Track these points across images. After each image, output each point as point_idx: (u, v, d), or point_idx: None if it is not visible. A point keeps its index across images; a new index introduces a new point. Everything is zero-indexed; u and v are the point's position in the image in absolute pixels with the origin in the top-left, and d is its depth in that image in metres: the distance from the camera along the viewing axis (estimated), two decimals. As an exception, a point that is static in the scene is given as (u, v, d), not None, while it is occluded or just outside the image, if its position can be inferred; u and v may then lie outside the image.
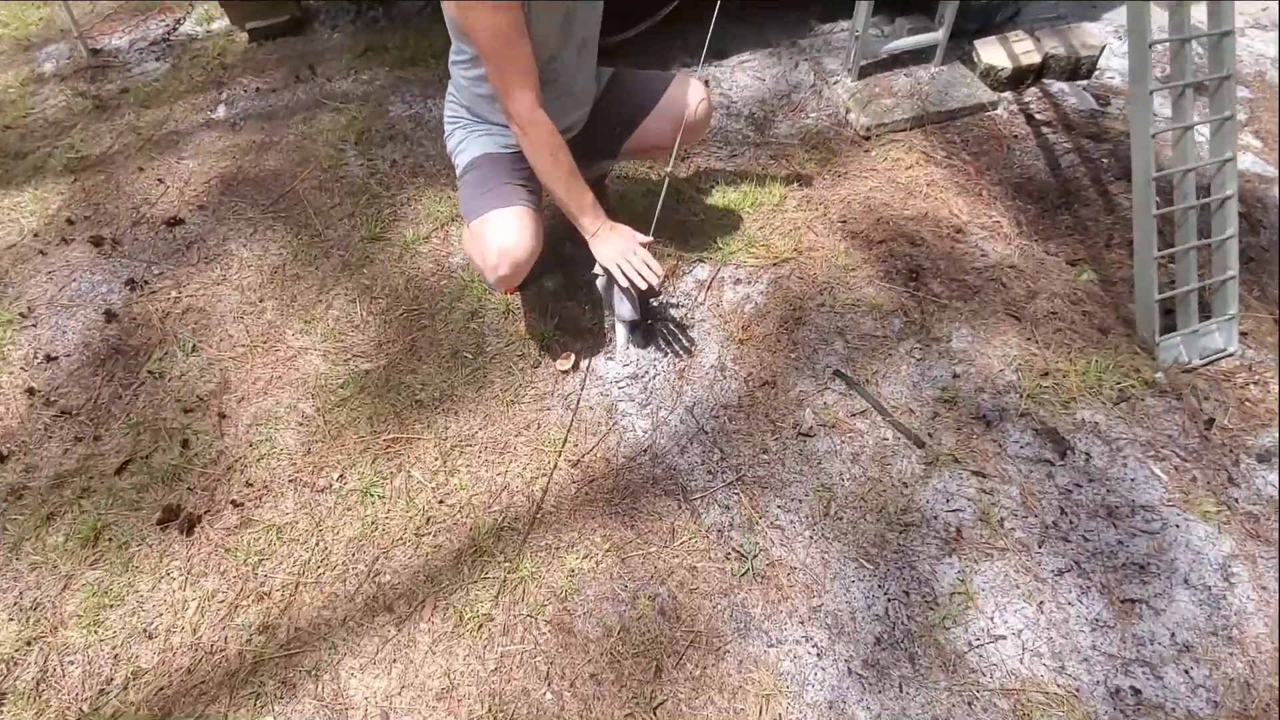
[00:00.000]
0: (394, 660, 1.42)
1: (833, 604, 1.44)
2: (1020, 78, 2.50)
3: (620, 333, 1.80)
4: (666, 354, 1.84)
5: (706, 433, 1.70)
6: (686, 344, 1.86)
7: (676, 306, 1.94)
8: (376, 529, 1.59)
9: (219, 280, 2.12)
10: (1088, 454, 1.61)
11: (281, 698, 1.38)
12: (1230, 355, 1.76)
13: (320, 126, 2.56)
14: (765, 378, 1.78)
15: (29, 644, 1.48)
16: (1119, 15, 2.81)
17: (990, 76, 2.49)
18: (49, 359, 1.96)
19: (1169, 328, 1.76)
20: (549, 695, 1.36)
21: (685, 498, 1.60)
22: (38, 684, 1.43)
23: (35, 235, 2.29)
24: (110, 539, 1.62)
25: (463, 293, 2.02)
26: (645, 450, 1.68)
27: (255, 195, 2.36)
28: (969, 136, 2.36)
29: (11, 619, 1.52)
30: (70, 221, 2.31)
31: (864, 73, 2.49)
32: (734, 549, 1.52)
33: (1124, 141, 2.25)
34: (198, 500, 1.67)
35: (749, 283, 1.98)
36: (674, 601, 1.46)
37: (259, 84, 2.78)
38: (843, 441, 1.66)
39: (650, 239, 1.62)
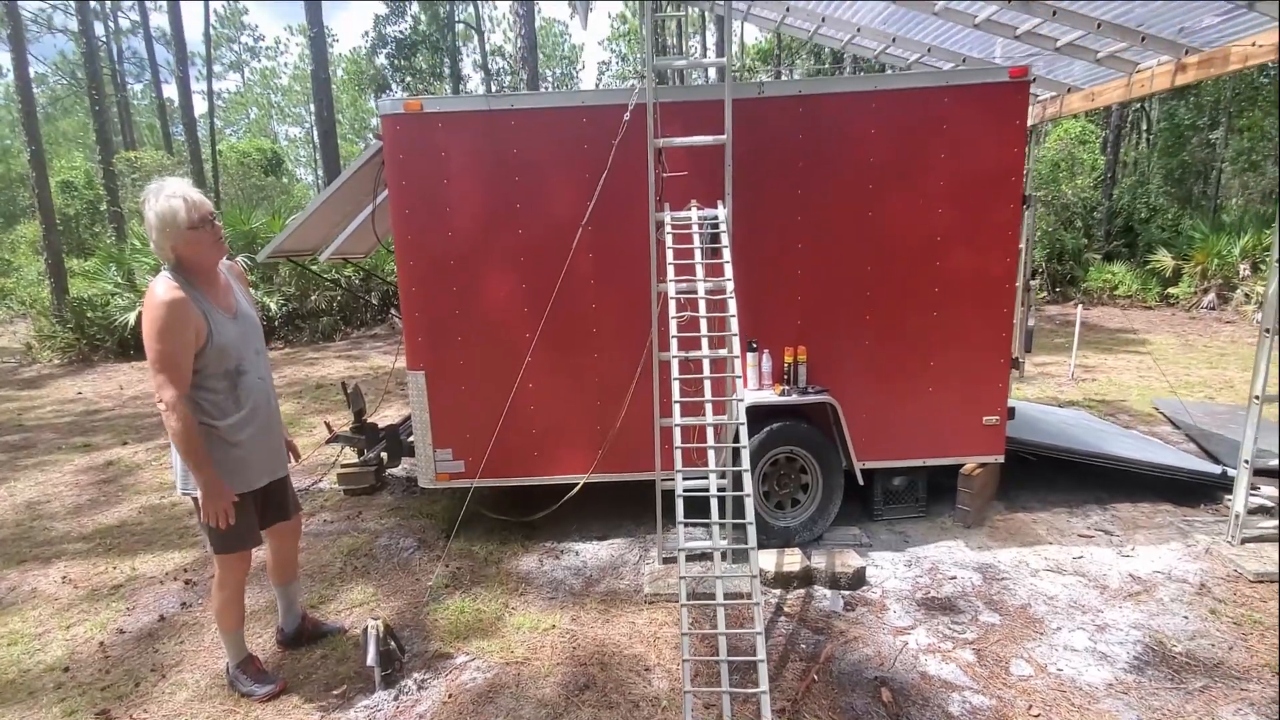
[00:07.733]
0: None
1: None
2: (787, 580, 3.50)
3: (376, 674, 2.81)
4: (396, 699, 2.78)
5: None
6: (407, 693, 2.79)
7: (422, 677, 2.92)
8: None
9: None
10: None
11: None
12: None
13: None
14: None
15: None
16: (898, 552, 3.81)
17: (761, 577, 3.54)
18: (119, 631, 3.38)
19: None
20: None
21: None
22: None
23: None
24: None
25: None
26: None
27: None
28: (729, 621, 3.32)
29: None
30: (188, 582, 4.01)
31: (672, 560, 3.68)
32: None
33: (827, 634, 3.08)
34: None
35: (479, 670, 2.94)
36: None
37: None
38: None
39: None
